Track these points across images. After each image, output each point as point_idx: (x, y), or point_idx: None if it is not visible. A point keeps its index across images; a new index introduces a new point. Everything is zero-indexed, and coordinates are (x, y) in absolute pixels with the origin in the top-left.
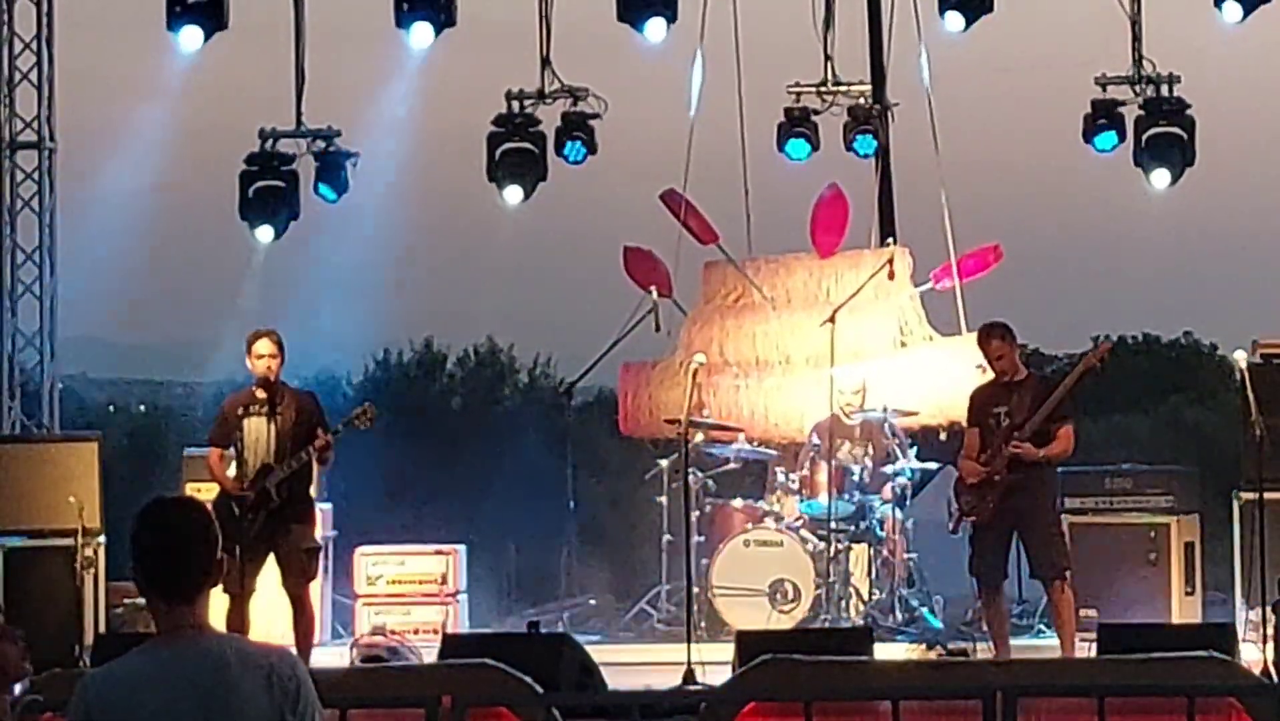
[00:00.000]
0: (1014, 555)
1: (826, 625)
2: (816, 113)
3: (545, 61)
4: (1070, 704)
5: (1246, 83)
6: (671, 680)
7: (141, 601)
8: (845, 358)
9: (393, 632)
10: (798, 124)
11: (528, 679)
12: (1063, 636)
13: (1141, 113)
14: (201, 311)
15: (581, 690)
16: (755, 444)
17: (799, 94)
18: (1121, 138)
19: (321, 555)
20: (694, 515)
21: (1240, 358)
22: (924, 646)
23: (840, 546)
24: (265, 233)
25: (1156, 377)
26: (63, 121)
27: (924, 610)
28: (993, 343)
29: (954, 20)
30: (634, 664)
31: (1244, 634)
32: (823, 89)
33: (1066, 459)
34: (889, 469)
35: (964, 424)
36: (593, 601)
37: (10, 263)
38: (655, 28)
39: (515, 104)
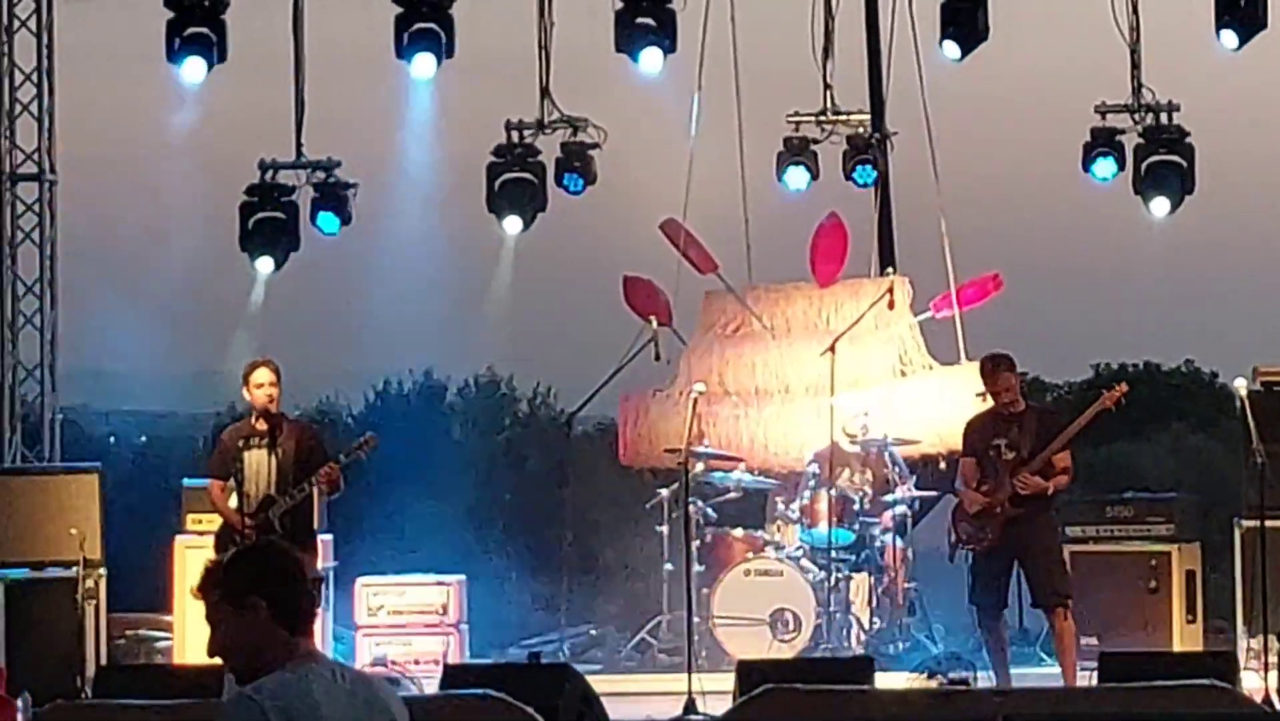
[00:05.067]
0: (1014, 584)
1: (827, 654)
2: (816, 142)
3: (544, 92)
4: None
5: (1246, 110)
6: (673, 710)
7: (142, 632)
8: (845, 387)
9: (394, 663)
10: (797, 153)
11: (529, 709)
12: (1064, 665)
13: (1141, 141)
14: (202, 343)
15: (582, 720)
16: (755, 473)
17: (798, 123)
18: (1121, 166)
19: (322, 586)
20: (694, 544)
21: (1241, 385)
22: (925, 675)
23: (841, 575)
24: (265, 264)
25: (1157, 406)
26: (63, 153)
27: (925, 639)
28: (1000, 375)
29: (950, 49)
30: (635, 694)
31: (1245, 662)
32: (822, 118)
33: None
34: (889, 497)
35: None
36: (593, 631)
37: (11, 295)
38: (651, 58)
39: (515, 134)
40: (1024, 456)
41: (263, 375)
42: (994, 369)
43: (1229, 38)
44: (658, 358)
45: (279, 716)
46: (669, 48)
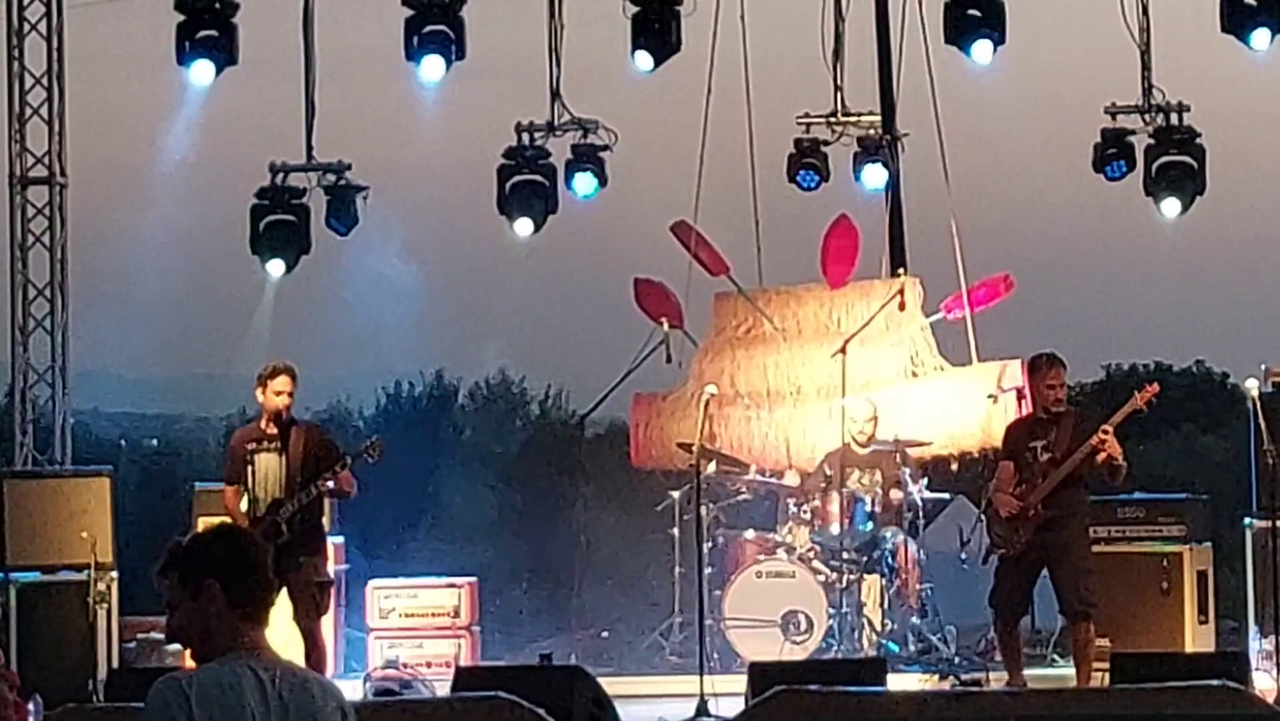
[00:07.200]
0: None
1: (839, 656)
2: (826, 143)
3: (555, 94)
4: None
5: (1257, 111)
6: (685, 712)
7: (154, 636)
8: (856, 388)
9: (405, 666)
10: (808, 155)
11: (541, 711)
12: (1080, 673)
13: (1151, 142)
14: (213, 346)
15: None
16: (767, 475)
17: (809, 125)
18: (1132, 167)
19: (334, 588)
20: (706, 546)
21: (1252, 386)
22: (937, 676)
23: (852, 577)
24: (276, 266)
25: (1168, 406)
26: (74, 157)
27: (937, 640)
28: (1054, 369)
29: (981, 52)
30: (647, 696)
31: (1257, 662)
32: (832, 120)
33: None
34: (900, 498)
35: (975, 454)
36: (605, 633)
37: (22, 298)
38: (644, 58)
39: (525, 136)
40: (1057, 458)
41: (283, 383)
42: (1049, 363)
43: (1261, 36)
44: (669, 360)
45: (201, 703)
46: (661, 50)
